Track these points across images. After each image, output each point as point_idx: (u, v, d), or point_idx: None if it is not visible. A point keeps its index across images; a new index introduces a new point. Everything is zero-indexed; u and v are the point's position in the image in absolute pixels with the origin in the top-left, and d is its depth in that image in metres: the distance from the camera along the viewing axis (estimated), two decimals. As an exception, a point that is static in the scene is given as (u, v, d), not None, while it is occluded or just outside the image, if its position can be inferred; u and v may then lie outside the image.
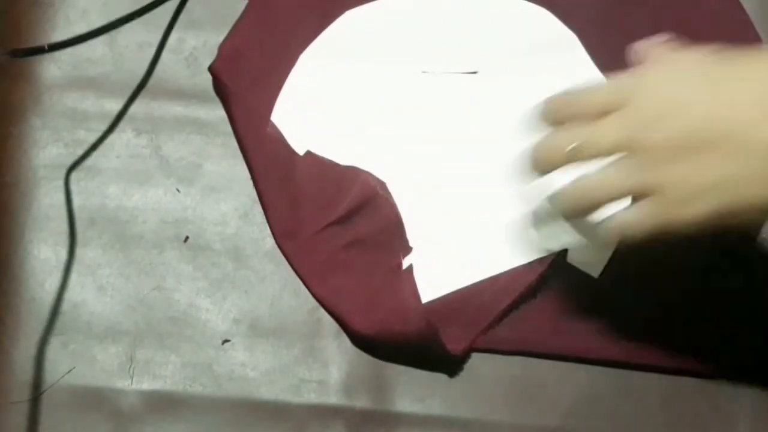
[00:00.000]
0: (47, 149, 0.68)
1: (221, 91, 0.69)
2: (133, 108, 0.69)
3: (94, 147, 0.68)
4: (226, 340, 0.65)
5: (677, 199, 0.51)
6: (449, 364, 0.64)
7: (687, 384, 0.65)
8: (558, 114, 0.54)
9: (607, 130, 0.52)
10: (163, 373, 0.65)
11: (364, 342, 0.65)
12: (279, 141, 0.67)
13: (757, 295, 0.66)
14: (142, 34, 0.68)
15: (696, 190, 0.51)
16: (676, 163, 0.51)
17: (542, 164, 0.55)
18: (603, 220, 0.55)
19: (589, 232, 0.60)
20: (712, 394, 0.64)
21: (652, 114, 0.51)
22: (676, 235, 0.52)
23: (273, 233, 0.67)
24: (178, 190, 0.68)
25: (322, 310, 0.65)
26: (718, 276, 0.66)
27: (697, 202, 0.51)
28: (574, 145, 0.52)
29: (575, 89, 0.54)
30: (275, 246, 0.67)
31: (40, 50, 0.60)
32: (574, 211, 0.55)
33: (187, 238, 0.67)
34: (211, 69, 0.69)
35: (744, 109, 0.50)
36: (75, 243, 0.66)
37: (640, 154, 0.51)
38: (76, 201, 0.67)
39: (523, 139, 0.57)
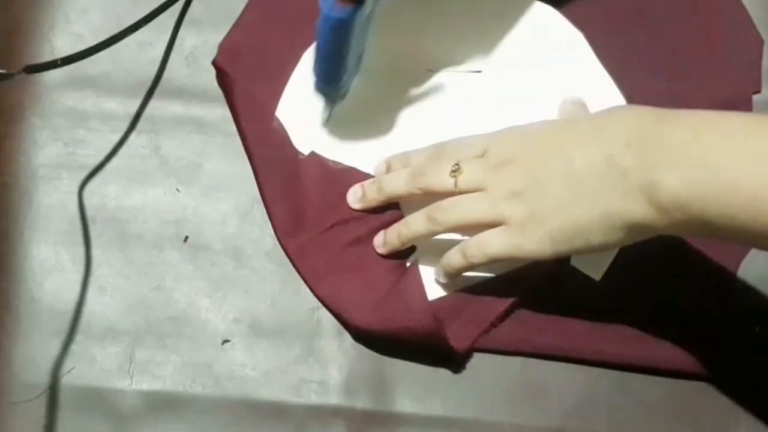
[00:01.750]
0: (47, 149, 0.68)
1: (225, 84, 0.68)
2: (133, 108, 0.69)
3: (94, 147, 0.68)
4: (226, 340, 0.65)
5: (519, 230, 0.59)
6: (452, 361, 0.64)
7: (687, 384, 0.65)
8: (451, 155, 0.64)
9: (473, 170, 0.62)
10: (163, 373, 0.64)
11: (366, 338, 0.65)
12: (283, 138, 0.67)
13: (756, 296, 0.66)
14: (142, 34, 0.67)
15: (531, 225, 0.59)
16: (512, 200, 0.59)
17: (435, 186, 0.63)
18: (471, 239, 0.62)
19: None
20: (712, 394, 0.65)
21: (496, 161, 0.61)
22: (530, 259, 0.61)
23: (275, 232, 0.66)
24: (178, 190, 0.68)
25: (322, 310, 0.65)
26: (718, 277, 0.66)
27: (537, 236, 0.59)
28: (455, 173, 0.62)
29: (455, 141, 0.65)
30: (275, 246, 0.66)
31: (53, 65, 0.60)
32: (446, 228, 0.63)
33: (187, 237, 0.67)
34: (215, 62, 0.69)
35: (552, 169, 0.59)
36: (80, 249, 0.66)
37: (488, 191, 0.61)
38: (77, 201, 0.67)
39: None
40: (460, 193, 0.62)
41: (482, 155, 0.62)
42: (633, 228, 0.56)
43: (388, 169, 0.66)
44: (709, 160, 0.53)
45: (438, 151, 0.65)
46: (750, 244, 0.62)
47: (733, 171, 0.52)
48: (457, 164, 0.62)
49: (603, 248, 0.58)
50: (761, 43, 0.70)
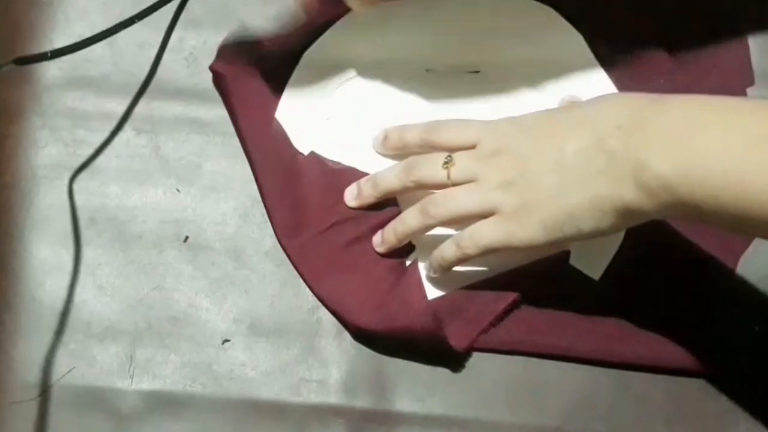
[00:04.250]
0: (47, 149, 0.68)
1: (223, 86, 0.68)
2: (133, 108, 0.69)
3: (93, 147, 0.68)
4: (226, 340, 0.65)
5: (511, 219, 0.60)
6: (451, 361, 0.64)
7: (687, 384, 0.65)
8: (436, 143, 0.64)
9: (465, 161, 0.62)
10: (163, 373, 0.65)
11: (366, 338, 0.65)
12: (282, 139, 0.67)
13: (756, 295, 0.66)
14: (142, 34, 0.68)
15: (523, 213, 0.59)
16: (504, 190, 0.60)
17: (428, 178, 0.64)
18: (464, 230, 0.62)
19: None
20: (712, 394, 0.64)
21: (488, 152, 0.61)
22: (522, 250, 0.61)
23: (275, 232, 0.66)
24: (178, 190, 0.68)
25: (322, 310, 0.65)
26: (718, 276, 0.66)
27: (529, 224, 0.59)
28: (448, 165, 0.63)
29: (441, 124, 0.65)
30: (275, 246, 0.66)
31: (43, 57, 0.60)
32: (440, 221, 0.63)
33: (187, 237, 0.67)
34: (212, 67, 0.69)
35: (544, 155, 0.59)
36: (80, 249, 0.66)
37: (481, 182, 0.61)
38: (76, 201, 0.67)
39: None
40: (453, 185, 0.62)
41: (474, 146, 0.62)
42: (623, 212, 0.56)
43: (385, 138, 0.67)
44: (695, 142, 0.53)
45: (432, 129, 0.65)
46: (737, 229, 0.61)
47: (719, 153, 0.52)
48: (449, 156, 0.62)
49: (595, 234, 0.58)
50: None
